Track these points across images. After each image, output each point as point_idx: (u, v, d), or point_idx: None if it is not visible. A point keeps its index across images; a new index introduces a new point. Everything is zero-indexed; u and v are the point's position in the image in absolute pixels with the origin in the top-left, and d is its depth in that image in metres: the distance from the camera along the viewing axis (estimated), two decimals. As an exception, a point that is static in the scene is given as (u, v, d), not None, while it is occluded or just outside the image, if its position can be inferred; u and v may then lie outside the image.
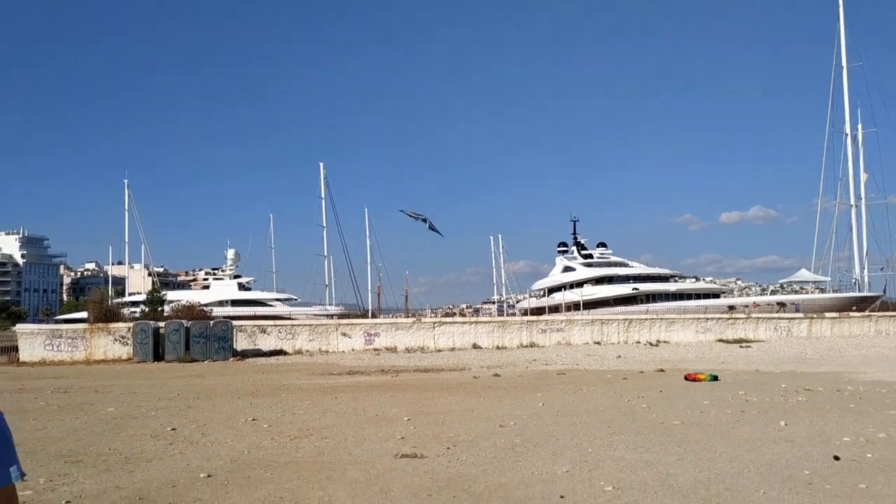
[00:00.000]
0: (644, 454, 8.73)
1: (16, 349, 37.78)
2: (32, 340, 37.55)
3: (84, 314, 69.67)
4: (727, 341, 41.78)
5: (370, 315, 64.51)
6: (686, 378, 19.90)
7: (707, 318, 45.08)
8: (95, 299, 47.36)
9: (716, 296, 70.21)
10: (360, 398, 16.07)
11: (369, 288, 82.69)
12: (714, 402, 14.25)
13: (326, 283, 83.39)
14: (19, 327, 40.45)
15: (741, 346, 38.37)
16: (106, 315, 40.94)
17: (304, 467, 8.19)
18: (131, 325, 37.91)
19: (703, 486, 7.02)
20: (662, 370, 23.72)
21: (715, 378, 19.64)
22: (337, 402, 15.39)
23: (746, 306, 57.75)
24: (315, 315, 67.36)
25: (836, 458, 8.25)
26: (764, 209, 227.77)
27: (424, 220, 59.35)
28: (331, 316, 63.42)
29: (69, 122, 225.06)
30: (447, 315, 75.78)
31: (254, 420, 12.44)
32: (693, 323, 44.17)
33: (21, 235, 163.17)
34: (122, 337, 37.21)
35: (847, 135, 67.57)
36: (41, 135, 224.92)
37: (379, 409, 13.91)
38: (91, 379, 24.62)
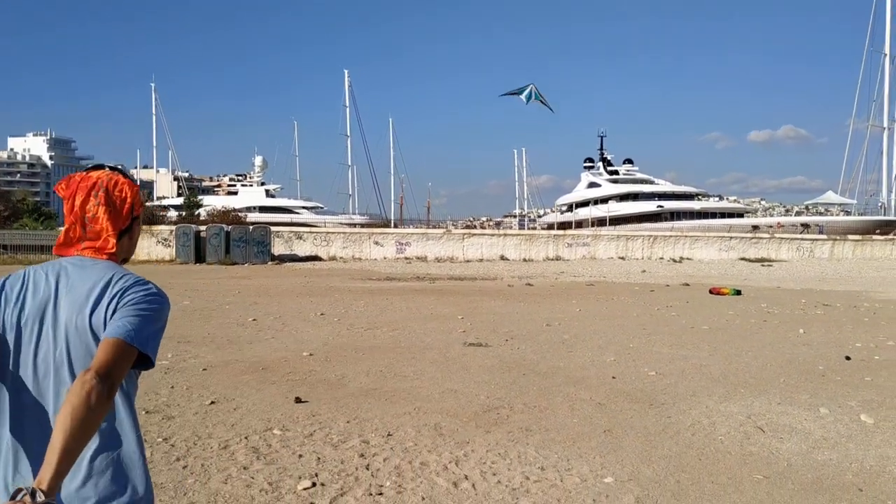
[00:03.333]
0: (679, 350, 10.01)
1: (62, 248, 39.62)
2: (79, 240, 39.34)
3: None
4: (750, 260, 42.85)
5: (393, 224, 65.93)
6: (710, 292, 21.10)
7: (731, 237, 46.05)
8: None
9: (740, 215, 70.82)
10: (409, 300, 17.46)
11: (392, 198, 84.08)
12: (738, 312, 15.48)
13: (350, 192, 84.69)
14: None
15: (763, 265, 39.46)
16: (149, 218, 42.62)
17: (388, 350, 9.57)
18: (174, 227, 39.57)
19: (731, 374, 8.29)
20: (687, 284, 24.94)
21: (738, 292, 20.83)
22: (389, 302, 16.79)
23: (770, 226, 58.47)
24: (340, 223, 68.92)
25: (848, 357, 9.48)
26: (795, 129, 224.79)
27: (529, 97, 53.34)
28: (354, 225, 64.90)
29: (99, 30, 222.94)
30: (468, 227, 77.05)
31: (322, 314, 13.85)
32: (717, 241, 45.17)
33: (49, 137, 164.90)
34: (165, 239, 38.91)
35: (886, 55, 66.50)
36: (72, 41, 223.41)
37: (431, 309, 15.29)
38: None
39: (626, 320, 13.67)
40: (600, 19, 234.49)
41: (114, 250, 1.93)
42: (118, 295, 1.80)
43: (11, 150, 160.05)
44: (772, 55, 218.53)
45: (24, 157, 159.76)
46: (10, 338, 1.81)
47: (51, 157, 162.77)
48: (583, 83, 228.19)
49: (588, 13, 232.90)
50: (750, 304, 17.66)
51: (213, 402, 6.57)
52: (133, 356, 1.73)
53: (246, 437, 5.48)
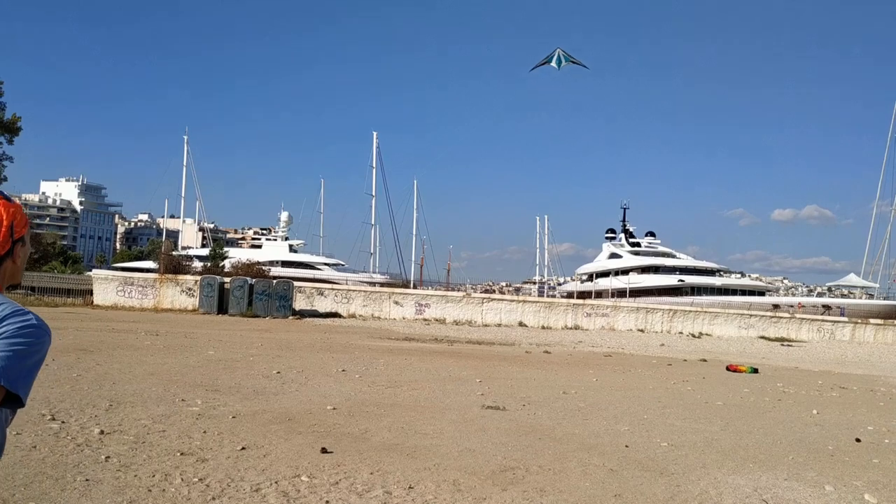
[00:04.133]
0: (692, 423, 10.23)
1: (89, 292, 40.44)
2: (106, 286, 40.18)
3: (144, 263, 72.94)
4: (769, 339, 42.65)
5: (412, 285, 66.41)
6: (728, 369, 21.19)
7: (751, 315, 45.93)
8: (165, 251, 49.89)
9: (760, 293, 70.61)
10: (427, 361, 17.77)
11: (413, 259, 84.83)
12: (753, 390, 15.61)
13: (372, 251, 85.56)
14: (95, 273, 43.12)
15: (783, 345, 39.27)
16: (175, 267, 43.49)
17: (409, 408, 9.89)
18: (198, 278, 40.32)
19: (741, 449, 8.51)
20: (705, 360, 25.01)
21: (755, 370, 20.90)
22: (409, 362, 17.11)
23: (791, 306, 58.23)
24: (361, 281, 69.49)
25: (858, 440, 9.65)
26: (819, 209, 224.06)
27: (559, 61, 49.33)
28: (374, 283, 65.43)
29: (135, 77, 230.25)
30: (486, 291, 77.32)
31: (343, 371, 14.20)
32: (737, 318, 45.06)
33: (80, 183, 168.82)
34: (189, 289, 39.62)
35: (909, 139, 67.06)
36: (108, 88, 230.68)
37: (450, 371, 15.59)
38: (168, 325, 26.77)
39: (642, 392, 13.87)
40: (625, 91, 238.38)
41: None
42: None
43: (43, 193, 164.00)
44: (797, 134, 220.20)
45: (54, 201, 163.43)
46: None
47: (80, 203, 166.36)
48: (607, 155, 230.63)
49: (616, 81, 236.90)
50: (766, 382, 17.76)
51: (243, 448, 6.93)
52: (1, 395, 1.63)
53: (276, 482, 5.82)
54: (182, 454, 6.53)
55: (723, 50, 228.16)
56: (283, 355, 16.92)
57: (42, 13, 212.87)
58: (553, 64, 50.50)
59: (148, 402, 9.18)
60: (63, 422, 7.61)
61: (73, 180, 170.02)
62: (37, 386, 9.12)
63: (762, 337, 43.44)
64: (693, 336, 41.77)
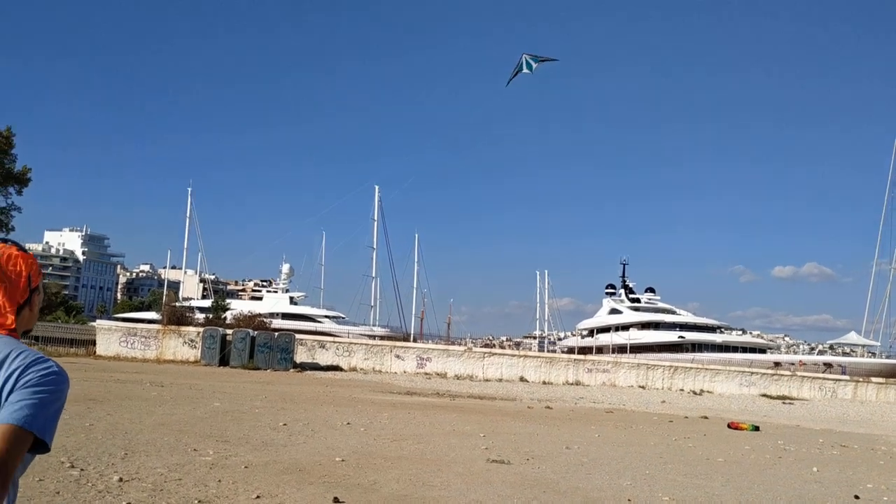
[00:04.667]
0: (693, 479, 10.41)
1: (92, 343, 40.57)
2: (109, 336, 40.33)
3: (145, 314, 73.03)
4: (770, 397, 42.57)
5: (413, 339, 66.35)
6: (729, 426, 21.27)
7: (752, 373, 45.90)
8: (168, 302, 50.14)
9: (762, 350, 70.51)
10: (430, 415, 17.91)
11: (413, 312, 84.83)
12: (754, 448, 15.74)
13: (372, 304, 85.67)
14: (98, 323, 43.32)
15: (784, 403, 39.20)
16: (178, 318, 43.69)
17: (415, 461, 10.09)
18: (201, 329, 40.47)
19: (742, 505, 8.71)
20: (706, 417, 25.06)
21: (756, 428, 20.98)
22: (412, 416, 17.26)
23: (792, 364, 58.15)
24: (361, 334, 69.50)
25: (857, 496, 9.83)
26: (819, 266, 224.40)
27: (529, 66, 50.35)
28: (374, 337, 65.43)
29: (138, 125, 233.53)
30: (487, 346, 77.24)
31: (348, 424, 14.37)
32: (738, 376, 45.03)
33: (84, 233, 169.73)
34: (192, 340, 39.78)
35: (905, 200, 67.89)
36: (110, 135, 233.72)
37: (453, 425, 15.74)
38: (172, 376, 26.89)
39: (644, 448, 14.02)
40: (626, 144, 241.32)
41: (13, 326, 1.93)
42: (16, 374, 1.76)
43: (47, 243, 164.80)
44: (795, 194, 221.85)
45: (58, 250, 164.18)
46: None
47: (83, 253, 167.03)
48: (607, 212, 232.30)
49: (614, 132, 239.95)
50: (767, 440, 17.86)
51: (258, 497, 7.15)
52: (29, 442, 1.71)
53: (292, 530, 6.04)
54: (200, 502, 6.75)
55: (723, 95, 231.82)
56: (288, 408, 17.08)
57: (44, 60, 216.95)
58: (525, 70, 51.10)
59: (162, 452, 9.39)
60: (82, 469, 7.84)
61: (76, 230, 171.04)
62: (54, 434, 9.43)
63: (763, 395, 43.36)
64: (694, 393, 41.70)
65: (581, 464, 11.05)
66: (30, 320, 2.02)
